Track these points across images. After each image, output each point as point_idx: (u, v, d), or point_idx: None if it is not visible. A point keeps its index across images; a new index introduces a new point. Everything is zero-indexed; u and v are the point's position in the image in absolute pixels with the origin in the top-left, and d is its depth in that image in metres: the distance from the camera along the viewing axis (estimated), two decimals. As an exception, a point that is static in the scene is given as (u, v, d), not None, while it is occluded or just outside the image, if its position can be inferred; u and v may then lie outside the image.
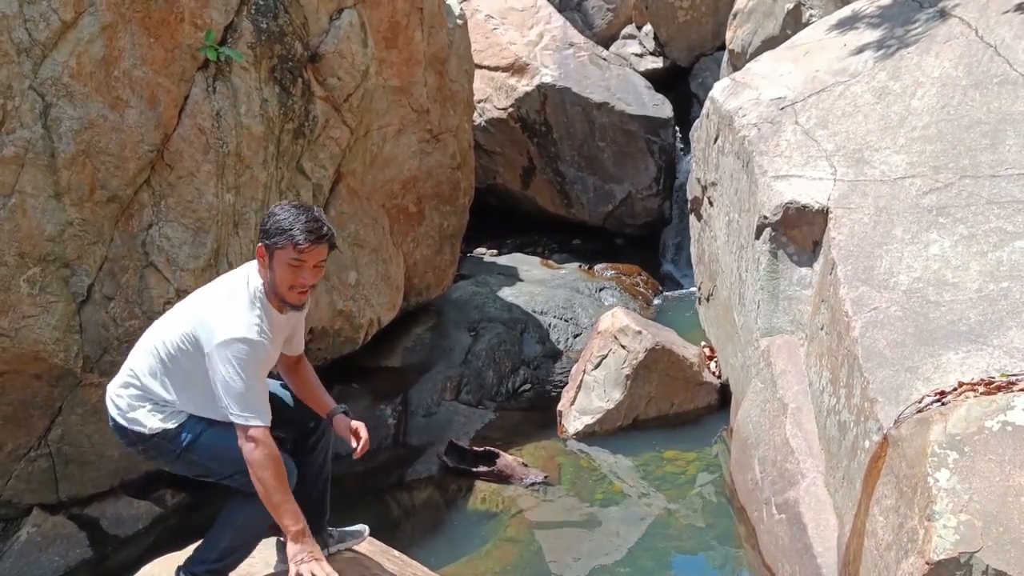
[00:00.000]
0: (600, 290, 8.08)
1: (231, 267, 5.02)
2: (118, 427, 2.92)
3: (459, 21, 6.97)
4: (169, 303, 4.78)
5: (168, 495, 5.22)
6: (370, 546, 3.01)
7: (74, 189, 4.44)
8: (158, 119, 4.63)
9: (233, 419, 2.73)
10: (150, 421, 2.86)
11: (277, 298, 2.78)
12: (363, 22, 5.75)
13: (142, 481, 5.19)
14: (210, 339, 2.71)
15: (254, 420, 2.70)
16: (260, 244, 2.75)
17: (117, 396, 2.91)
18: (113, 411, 2.92)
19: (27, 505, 4.85)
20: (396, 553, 3.10)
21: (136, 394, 2.88)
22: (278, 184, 5.32)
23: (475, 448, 5.42)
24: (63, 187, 4.40)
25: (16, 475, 4.74)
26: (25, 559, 4.67)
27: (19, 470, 4.74)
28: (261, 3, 5.06)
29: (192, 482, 5.22)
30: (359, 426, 3.10)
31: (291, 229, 2.68)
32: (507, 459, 5.25)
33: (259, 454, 2.67)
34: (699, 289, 6.63)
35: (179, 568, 2.95)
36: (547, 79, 9.02)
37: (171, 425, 2.85)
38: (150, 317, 4.28)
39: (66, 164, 4.38)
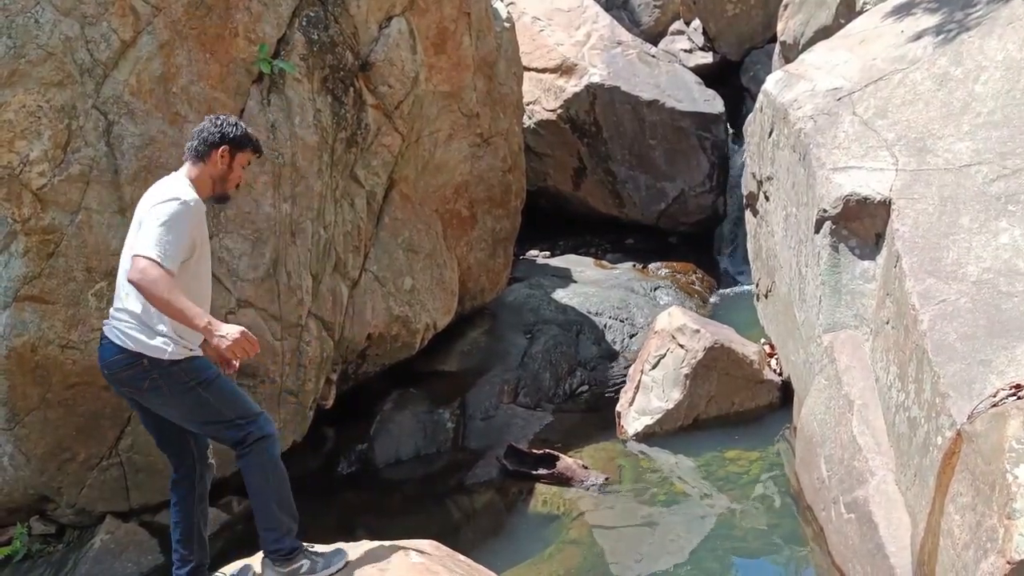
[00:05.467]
0: (655, 289, 8.01)
1: (290, 276, 5.10)
2: (126, 353, 3.17)
3: (506, 24, 6.98)
4: (231, 313, 4.88)
5: (234, 502, 5.30)
6: (436, 551, 3.02)
7: (137, 204, 4.55)
8: (215, 133, 4.71)
9: (136, 254, 3.01)
10: (169, 347, 3.14)
11: (219, 190, 3.35)
12: (412, 29, 5.79)
13: (209, 490, 5.28)
14: (147, 217, 3.11)
15: (155, 255, 2.99)
16: (224, 147, 3.29)
17: (125, 323, 3.19)
18: (119, 338, 3.19)
19: (100, 513, 4.97)
20: (461, 558, 3.11)
21: (138, 319, 3.17)
22: (333, 193, 5.38)
23: (535, 451, 5.40)
24: (127, 203, 4.49)
25: (89, 484, 4.87)
26: (100, 565, 4.78)
27: (92, 479, 4.87)
28: (312, 15, 5.13)
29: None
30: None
31: (254, 140, 3.40)
32: (567, 461, 5.22)
33: (148, 278, 2.96)
34: (757, 286, 6.52)
35: (264, 560, 3.28)
36: (596, 79, 8.99)
37: (197, 353, 3.21)
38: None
39: (129, 180, 4.49)
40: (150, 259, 3.00)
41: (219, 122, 3.35)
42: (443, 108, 6.32)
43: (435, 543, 3.11)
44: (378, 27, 5.61)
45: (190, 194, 3.19)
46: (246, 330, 3.07)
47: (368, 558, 2.63)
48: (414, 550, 2.86)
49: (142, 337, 3.17)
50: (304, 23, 5.08)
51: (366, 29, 5.51)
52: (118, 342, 3.21)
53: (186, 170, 3.33)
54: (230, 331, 3.03)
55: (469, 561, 3.15)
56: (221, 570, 3.40)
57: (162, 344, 3.16)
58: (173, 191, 3.19)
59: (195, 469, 3.45)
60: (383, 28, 5.64)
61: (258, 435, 3.24)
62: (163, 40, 4.50)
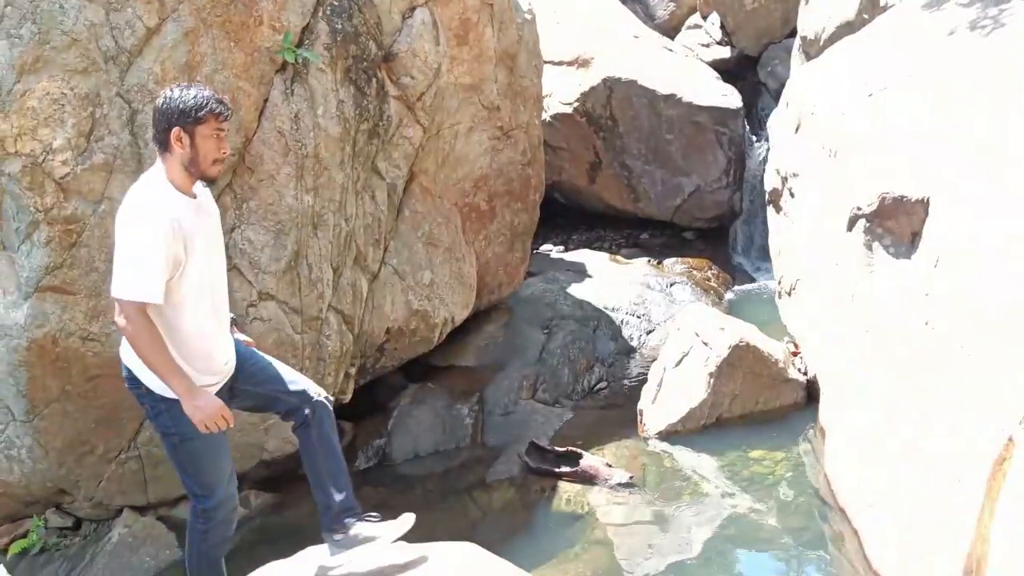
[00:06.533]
0: (671, 285, 7.94)
1: (311, 269, 5.03)
2: (130, 373, 3.04)
3: (527, 16, 6.89)
4: (252, 306, 4.81)
5: (252, 496, 5.25)
6: (475, 555, 2.96)
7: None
8: (239, 123, 4.64)
9: (115, 296, 2.83)
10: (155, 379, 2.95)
11: (197, 175, 2.96)
12: (435, 20, 5.71)
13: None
14: (117, 242, 2.88)
15: (130, 294, 2.80)
16: (176, 128, 2.88)
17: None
18: (125, 356, 3.05)
19: (118, 507, 4.92)
20: (501, 561, 3.04)
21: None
22: (354, 184, 5.31)
23: (557, 448, 5.34)
24: (150, 193, 4.42)
25: (107, 477, 4.82)
26: (117, 560, 4.73)
27: (110, 472, 4.82)
28: (336, 4, 5.05)
29: (276, 482, 5.32)
30: (250, 341, 3.38)
31: (208, 103, 2.89)
32: (591, 459, 5.16)
33: (131, 328, 2.81)
34: (779, 283, 6.45)
35: None
36: (613, 72, 8.89)
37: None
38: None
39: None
40: (131, 302, 2.80)
41: (160, 102, 2.92)
42: (464, 100, 6.24)
43: (474, 545, 3.05)
44: (401, 17, 5.54)
45: (155, 208, 2.86)
46: (224, 406, 2.94)
47: (413, 563, 2.57)
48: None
49: (140, 360, 2.99)
50: (328, 12, 5.01)
51: (390, 19, 5.44)
52: (124, 360, 3.09)
53: (159, 165, 3.00)
54: (208, 404, 2.89)
55: (509, 564, 3.09)
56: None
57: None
58: (137, 208, 2.89)
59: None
60: (406, 18, 5.56)
61: (203, 508, 3.13)
62: (188, 27, 4.43)
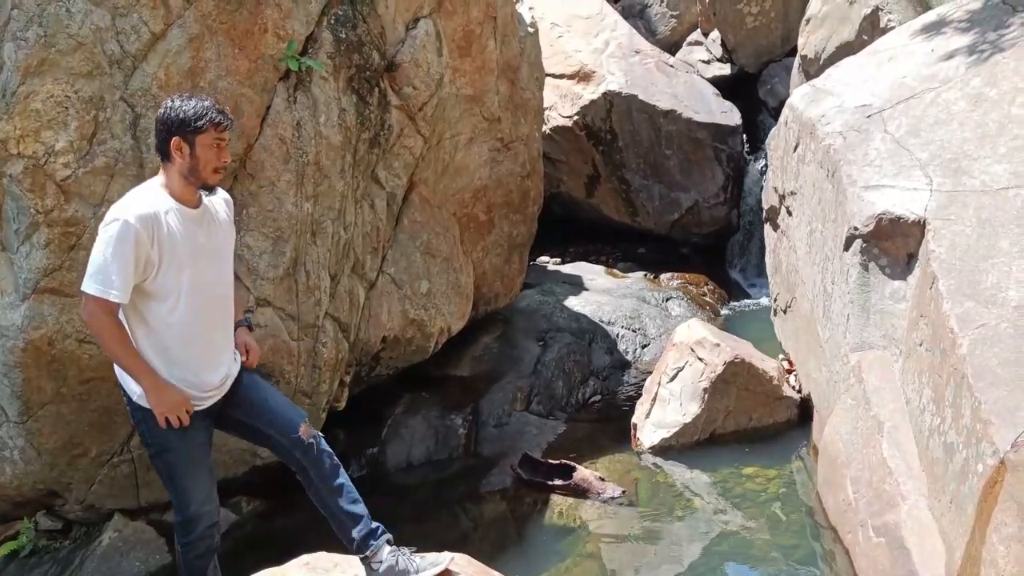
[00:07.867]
0: (667, 300, 7.97)
1: (309, 276, 5.04)
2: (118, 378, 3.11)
3: (530, 29, 6.94)
4: (250, 312, 4.81)
5: (243, 501, 5.24)
6: (469, 566, 2.96)
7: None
8: (241, 129, 4.65)
9: (82, 289, 2.90)
10: (139, 389, 3.00)
11: (197, 184, 2.99)
12: (438, 31, 5.74)
13: (218, 488, 5.21)
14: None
15: (94, 289, 2.85)
16: (176, 138, 2.94)
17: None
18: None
19: (108, 510, 4.91)
20: (496, 574, 3.05)
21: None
22: (354, 193, 5.32)
23: (550, 461, 5.34)
24: (150, 197, 4.43)
25: (99, 480, 4.81)
26: (107, 564, 4.72)
27: (102, 475, 4.80)
28: (340, 13, 5.07)
29: (267, 488, 5.30)
30: (251, 344, 3.31)
31: (208, 113, 2.94)
32: (584, 473, 5.16)
33: (94, 324, 2.89)
34: (775, 301, 6.47)
35: None
36: (613, 86, 8.95)
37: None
38: (234, 326, 4.27)
39: (153, 174, 4.37)
40: (94, 297, 2.86)
41: (161, 112, 2.99)
42: (465, 111, 6.27)
43: (468, 557, 3.05)
44: (405, 28, 5.56)
45: (129, 209, 2.91)
46: (187, 401, 2.98)
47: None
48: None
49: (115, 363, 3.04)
50: (332, 21, 5.03)
51: (393, 29, 5.46)
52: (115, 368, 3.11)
53: (159, 174, 3.08)
54: (172, 398, 2.92)
55: (502, 576, 3.10)
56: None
57: (132, 381, 3.00)
58: (116, 210, 2.94)
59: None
60: (410, 29, 5.59)
61: (177, 521, 3.20)
62: (193, 34, 4.44)
